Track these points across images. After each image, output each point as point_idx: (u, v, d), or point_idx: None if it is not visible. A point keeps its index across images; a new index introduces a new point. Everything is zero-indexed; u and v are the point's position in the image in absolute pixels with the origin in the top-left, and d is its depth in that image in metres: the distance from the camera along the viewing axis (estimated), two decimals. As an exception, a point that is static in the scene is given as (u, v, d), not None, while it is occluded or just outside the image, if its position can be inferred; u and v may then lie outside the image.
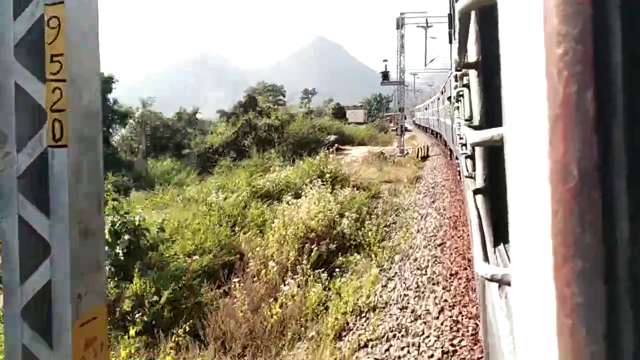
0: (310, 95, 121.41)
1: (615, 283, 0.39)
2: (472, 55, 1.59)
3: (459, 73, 2.29)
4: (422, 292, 5.76)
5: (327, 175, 15.52)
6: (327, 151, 16.28)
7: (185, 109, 36.55)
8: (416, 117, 57.01)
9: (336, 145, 23.57)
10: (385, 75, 22.82)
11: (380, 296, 5.79)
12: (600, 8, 0.38)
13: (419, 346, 4.44)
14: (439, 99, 21.76)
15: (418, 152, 22.32)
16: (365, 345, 4.61)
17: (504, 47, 0.53)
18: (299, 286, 6.10)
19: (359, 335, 4.81)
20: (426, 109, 35.96)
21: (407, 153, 25.24)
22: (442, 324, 4.84)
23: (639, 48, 0.39)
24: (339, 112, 65.53)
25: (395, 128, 59.33)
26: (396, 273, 6.63)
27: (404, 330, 4.79)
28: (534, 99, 0.43)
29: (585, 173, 0.39)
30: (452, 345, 4.38)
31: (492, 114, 1.48)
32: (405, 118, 69.00)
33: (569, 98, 0.39)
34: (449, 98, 9.68)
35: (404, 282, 6.17)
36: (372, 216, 10.17)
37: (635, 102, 0.39)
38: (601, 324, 0.39)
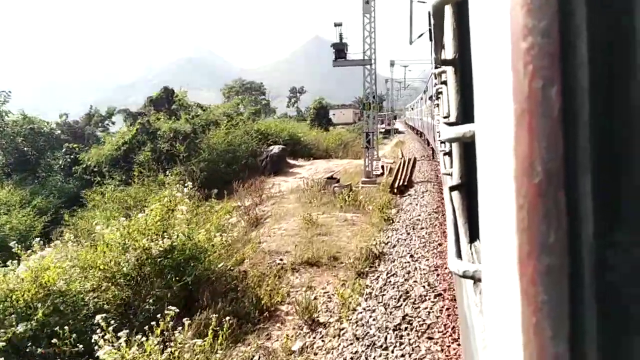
0: (298, 95, 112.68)
1: (580, 282, 0.38)
2: (449, 52, 1.57)
3: (437, 70, 2.23)
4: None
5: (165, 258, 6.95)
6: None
7: (98, 110, 27.70)
8: (407, 117, 52.99)
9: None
10: (340, 50, 13.98)
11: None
12: (567, 1, 0.38)
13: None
14: (421, 98, 19.89)
15: (395, 176, 13.57)
16: None
17: (474, 43, 0.54)
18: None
19: None
20: (412, 108, 34.74)
21: (382, 173, 16.46)
22: None
23: (605, 42, 0.38)
24: (321, 112, 56.91)
25: (383, 130, 50.02)
26: None
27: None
28: (500, 95, 0.42)
29: (550, 169, 0.38)
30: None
31: (468, 111, 1.44)
32: (395, 118, 60.28)
33: (534, 93, 0.39)
34: (430, 97, 9.02)
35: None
36: None
37: (601, 98, 0.38)
38: (566, 324, 0.38)
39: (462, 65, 1.44)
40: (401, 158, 20.03)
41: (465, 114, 1.45)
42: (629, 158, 0.39)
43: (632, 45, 0.39)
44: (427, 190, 11.67)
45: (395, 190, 12.24)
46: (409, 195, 11.49)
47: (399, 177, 13.39)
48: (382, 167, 17.68)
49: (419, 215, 9.03)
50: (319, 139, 24.97)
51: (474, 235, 1.37)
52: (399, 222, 8.87)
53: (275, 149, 18.95)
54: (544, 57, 0.38)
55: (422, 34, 20.87)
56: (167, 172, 16.74)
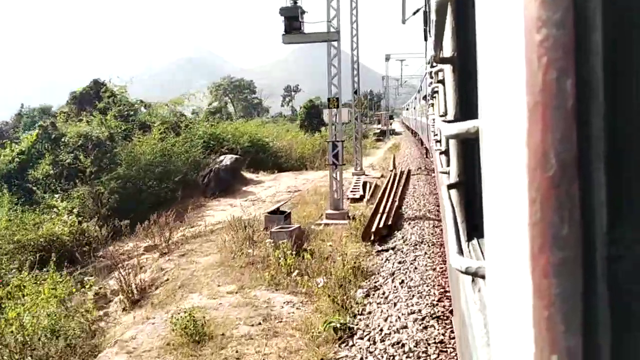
0: (293, 93, 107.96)
1: (593, 273, 0.38)
2: (447, 51, 1.58)
3: (434, 69, 2.21)
4: None
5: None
6: None
7: (33, 109, 23.18)
8: (403, 116, 50.34)
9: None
10: (291, 18, 9.15)
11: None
12: None
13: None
14: (415, 98, 20.35)
15: (377, 206, 8.99)
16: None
17: (482, 36, 0.52)
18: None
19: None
20: (407, 108, 34.28)
21: (362, 196, 11.85)
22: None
23: (620, 34, 0.39)
24: (313, 111, 52.74)
25: (378, 131, 44.86)
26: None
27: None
28: (512, 87, 0.42)
29: (564, 161, 0.38)
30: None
31: (467, 109, 1.45)
32: (392, 118, 55.34)
33: (548, 85, 0.38)
34: (424, 97, 9.01)
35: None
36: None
37: (616, 89, 0.39)
38: (578, 316, 0.38)
39: (461, 63, 1.45)
40: (392, 170, 15.48)
41: (464, 111, 1.45)
42: (631, 155, 0.39)
43: (636, 41, 0.38)
44: (423, 241, 7.03)
45: (373, 236, 7.67)
46: (393, 249, 6.89)
47: (381, 210, 8.77)
48: (365, 184, 13.09)
49: (405, 322, 4.38)
50: (292, 145, 20.31)
51: (471, 233, 1.37)
52: (362, 337, 4.27)
53: (226, 159, 14.32)
54: (558, 49, 0.37)
55: (417, 10, 16.24)
56: (63, 194, 12.20)
